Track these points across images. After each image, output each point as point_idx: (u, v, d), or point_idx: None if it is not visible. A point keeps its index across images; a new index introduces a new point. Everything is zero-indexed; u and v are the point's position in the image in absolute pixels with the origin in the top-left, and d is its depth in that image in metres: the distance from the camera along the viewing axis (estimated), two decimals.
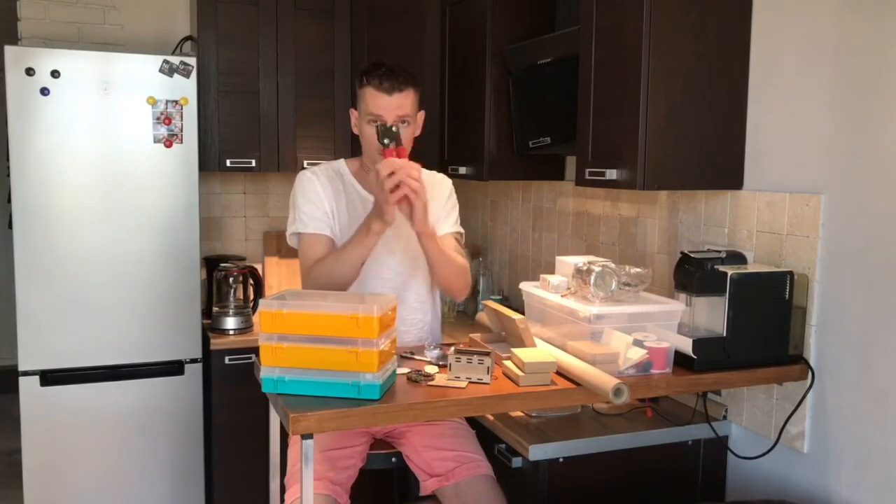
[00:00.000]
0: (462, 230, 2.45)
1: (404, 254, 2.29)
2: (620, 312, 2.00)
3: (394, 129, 2.09)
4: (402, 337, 2.28)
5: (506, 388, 1.86)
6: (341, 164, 2.37)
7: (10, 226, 2.93)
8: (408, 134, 2.20)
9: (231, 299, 3.26)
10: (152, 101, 3.03)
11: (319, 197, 2.26)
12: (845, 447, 1.94)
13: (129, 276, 3.06)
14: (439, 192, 2.39)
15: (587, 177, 2.24)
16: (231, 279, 3.26)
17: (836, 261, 1.94)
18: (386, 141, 2.06)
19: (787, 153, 2.07)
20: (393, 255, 2.29)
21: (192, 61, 3.08)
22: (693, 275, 2.02)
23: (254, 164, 3.34)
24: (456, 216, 2.43)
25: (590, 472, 2.11)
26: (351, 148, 3.44)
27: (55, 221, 2.96)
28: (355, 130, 2.29)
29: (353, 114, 2.29)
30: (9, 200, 2.92)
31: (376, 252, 2.17)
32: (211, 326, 3.23)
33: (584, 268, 2.06)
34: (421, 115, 2.28)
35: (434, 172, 2.46)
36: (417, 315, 2.35)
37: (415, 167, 2.02)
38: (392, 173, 1.97)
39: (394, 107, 2.15)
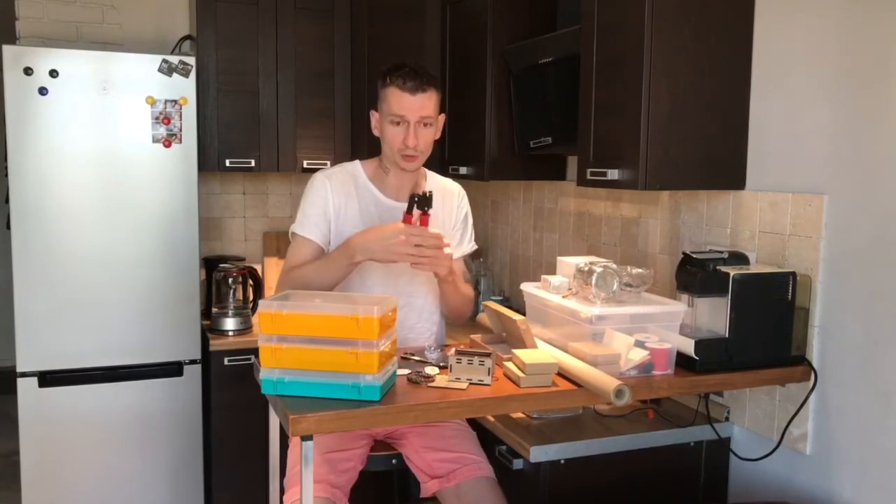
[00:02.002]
0: (476, 246, 2.48)
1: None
2: (622, 313, 1.99)
3: (428, 194, 2.08)
4: (411, 344, 2.28)
5: (507, 389, 1.85)
6: (356, 166, 2.33)
7: (8, 226, 2.92)
8: (428, 136, 2.20)
9: (230, 300, 3.25)
10: (151, 101, 3.02)
11: (326, 202, 2.23)
12: (848, 449, 1.93)
13: (127, 276, 3.05)
14: (455, 209, 2.40)
15: (588, 177, 2.23)
16: (230, 280, 3.25)
17: (839, 261, 1.93)
18: (426, 208, 2.07)
19: (790, 153, 2.06)
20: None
21: (192, 61, 3.07)
22: (695, 275, 2.01)
23: (253, 164, 3.33)
24: (470, 235, 2.44)
25: (591, 473, 2.10)
26: (351, 148, 3.43)
27: (53, 222, 2.95)
28: (376, 132, 2.25)
29: (374, 115, 2.25)
30: (7, 201, 2.91)
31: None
32: (210, 327, 3.21)
33: (586, 268, 2.05)
34: (442, 117, 2.27)
35: (447, 180, 2.44)
36: (425, 324, 2.34)
37: (441, 239, 2.07)
38: (420, 245, 2.02)
39: (417, 107, 2.13)
